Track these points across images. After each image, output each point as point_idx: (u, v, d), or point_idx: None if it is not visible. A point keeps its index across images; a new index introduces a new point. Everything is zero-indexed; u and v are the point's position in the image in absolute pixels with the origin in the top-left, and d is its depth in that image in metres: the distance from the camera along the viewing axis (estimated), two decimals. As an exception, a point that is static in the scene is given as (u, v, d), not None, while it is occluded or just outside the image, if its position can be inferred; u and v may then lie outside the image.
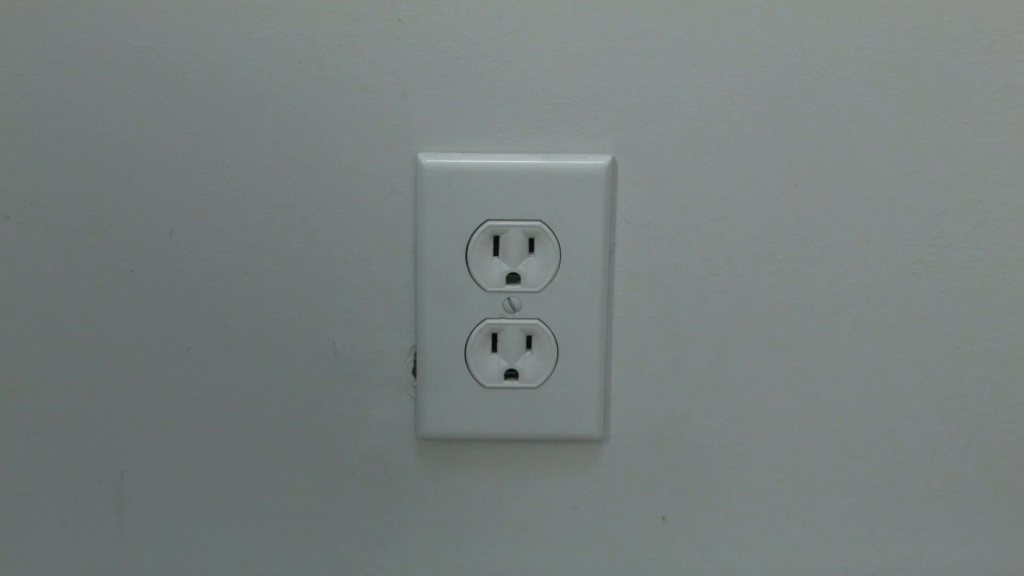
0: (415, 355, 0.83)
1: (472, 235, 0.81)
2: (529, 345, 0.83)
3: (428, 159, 0.80)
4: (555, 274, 0.81)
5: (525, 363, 0.83)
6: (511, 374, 0.83)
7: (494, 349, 0.83)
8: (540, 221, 0.81)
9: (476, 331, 0.82)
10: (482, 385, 0.82)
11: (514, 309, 0.82)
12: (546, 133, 0.80)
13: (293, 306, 0.83)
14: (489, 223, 0.81)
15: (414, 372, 0.84)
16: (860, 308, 0.83)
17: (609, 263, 0.82)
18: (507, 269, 0.81)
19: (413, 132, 0.80)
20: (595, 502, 0.86)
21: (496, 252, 0.81)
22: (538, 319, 0.82)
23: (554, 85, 0.79)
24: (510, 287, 0.82)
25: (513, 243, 0.81)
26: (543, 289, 0.82)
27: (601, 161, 0.80)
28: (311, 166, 0.80)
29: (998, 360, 0.84)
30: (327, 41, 0.78)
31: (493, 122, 0.80)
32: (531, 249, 0.81)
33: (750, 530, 0.87)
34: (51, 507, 0.86)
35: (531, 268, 0.82)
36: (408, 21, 0.78)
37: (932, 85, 0.79)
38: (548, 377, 0.83)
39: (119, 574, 0.87)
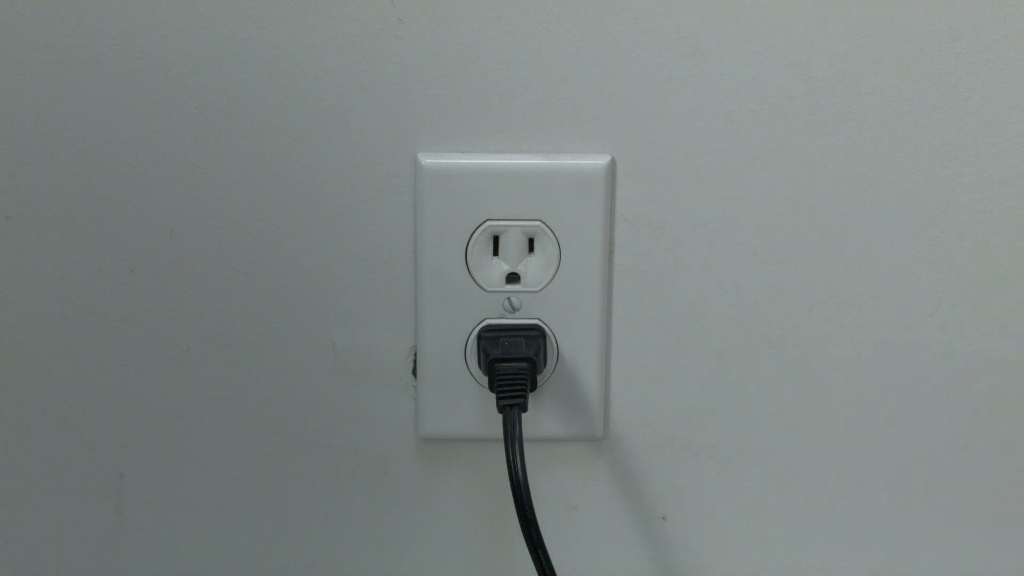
0: (415, 355, 0.83)
1: (472, 235, 0.81)
2: (529, 345, 0.83)
3: (428, 159, 0.80)
4: (555, 274, 0.81)
5: (525, 363, 0.83)
6: (511, 374, 0.83)
7: (494, 349, 0.83)
8: (540, 221, 0.81)
9: (476, 331, 0.82)
10: (482, 385, 0.82)
11: (514, 309, 0.82)
12: (546, 133, 0.80)
13: (293, 306, 0.83)
14: (489, 223, 0.81)
15: (414, 372, 0.84)
16: (860, 308, 0.83)
17: (609, 263, 0.82)
18: (507, 269, 0.81)
19: (413, 132, 0.80)
20: (595, 502, 0.86)
21: (496, 252, 0.81)
22: (538, 319, 0.82)
23: (554, 85, 0.79)
24: (510, 287, 0.82)
25: (513, 243, 0.81)
26: (543, 289, 0.82)
27: (601, 161, 0.80)
28: (311, 166, 0.80)
29: (998, 360, 0.84)
30: (327, 41, 0.78)
31: (493, 122, 0.80)
32: (531, 249, 0.81)
33: (750, 530, 0.87)
34: (51, 507, 0.86)
35: (531, 268, 0.82)
36: (408, 21, 0.78)
37: (932, 85, 0.79)
38: (548, 376, 0.83)
39: (119, 574, 0.87)
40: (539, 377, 0.82)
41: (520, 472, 0.77)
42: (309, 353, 0.83)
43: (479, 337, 0.82)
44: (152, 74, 0.79)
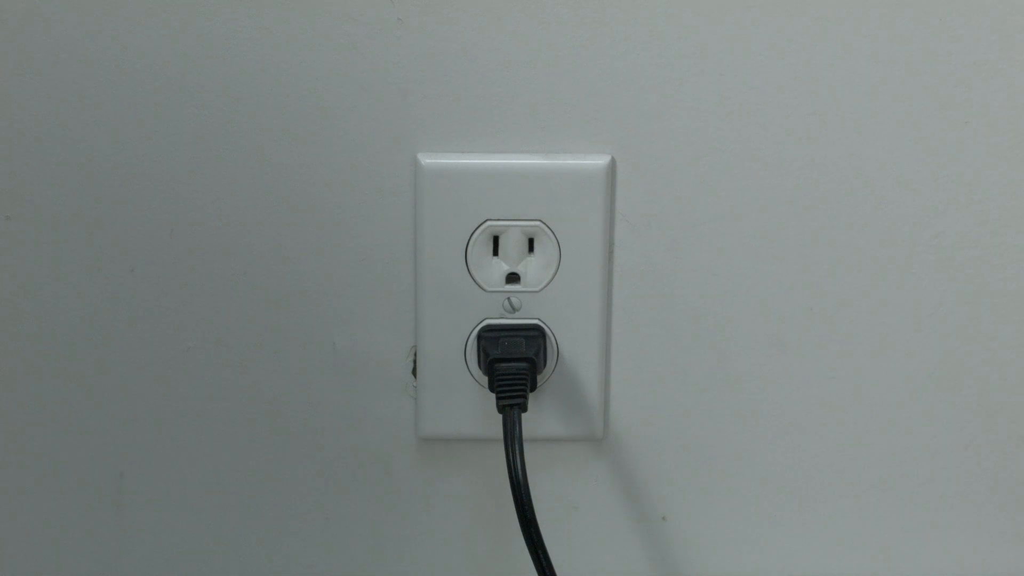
0: (415, 355, 0.83)
1: (472, 235, 0.81)
2: (529, 345, 0.83)
3: (428, 159, 0.80)
4: (555, 274, 0.81)
5: (525, 363, 0.83)
6: (511, 374, 0.83)
7: (494, 349, 0.83)
8: (540, 221, 0.81)
9: (476, 331, 0.82)
10: (482, 385, 0.82)
11: (514, 309, 0.82)
12: (546, 133, 0.80)
13: (293, 306, 0.83)
14: (489, 223, 0.81)
15: (414, 372, 0.84)
16: (860, 308, 0.83)
17: (609, 263, 0.82)
18: (507, 269, 0.81)
19: (413, 132, 0.80)
20: (595, 502, 0.86)
21: (496, 252, 0.81)
22: (538, 319, 0.82)
23: (554, 85, 0.79)
24: (510, 287, 0.82)
25: (513, 243, 0.81)
26: (543, 289, 0.82)
27: (601, 161, 0.80)
28: (311, 166, 0.80)
29: (998, 360, 0.84)
30: (327, 41, 0.78)
31: (493, 122, 0.80)
32: (531, 249, 0.81)
33: (750, 530, 0.87)
34: (51, 507, 0.86)
35: (531, 268, 0.82)
36: (408, 21, 0.78)
37: (932, 85, 0.79)
38: (548, 376, 0.83)
39: (118, 574, 0.87)
40: (539, 377, 0.82)
41: (520, 472, 0.77)
42: (309, 353, 0.83)
43: (479, 337, 0.82)
44: (152, 74, 0.79)
